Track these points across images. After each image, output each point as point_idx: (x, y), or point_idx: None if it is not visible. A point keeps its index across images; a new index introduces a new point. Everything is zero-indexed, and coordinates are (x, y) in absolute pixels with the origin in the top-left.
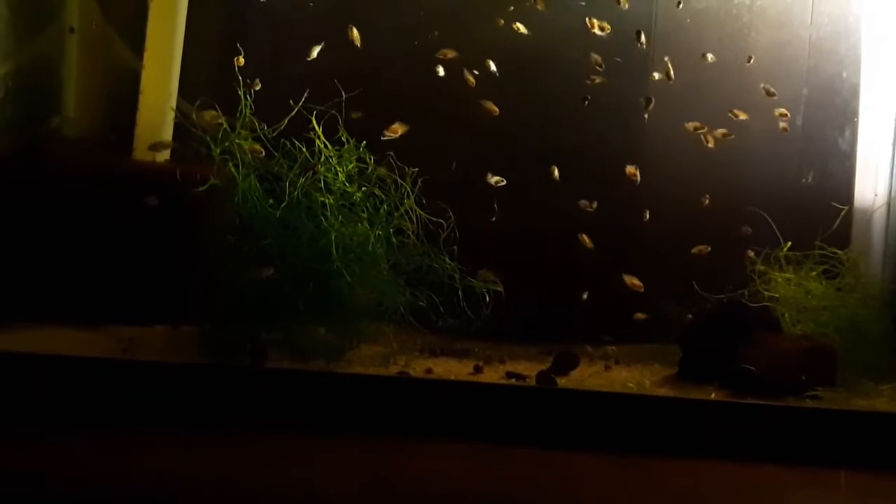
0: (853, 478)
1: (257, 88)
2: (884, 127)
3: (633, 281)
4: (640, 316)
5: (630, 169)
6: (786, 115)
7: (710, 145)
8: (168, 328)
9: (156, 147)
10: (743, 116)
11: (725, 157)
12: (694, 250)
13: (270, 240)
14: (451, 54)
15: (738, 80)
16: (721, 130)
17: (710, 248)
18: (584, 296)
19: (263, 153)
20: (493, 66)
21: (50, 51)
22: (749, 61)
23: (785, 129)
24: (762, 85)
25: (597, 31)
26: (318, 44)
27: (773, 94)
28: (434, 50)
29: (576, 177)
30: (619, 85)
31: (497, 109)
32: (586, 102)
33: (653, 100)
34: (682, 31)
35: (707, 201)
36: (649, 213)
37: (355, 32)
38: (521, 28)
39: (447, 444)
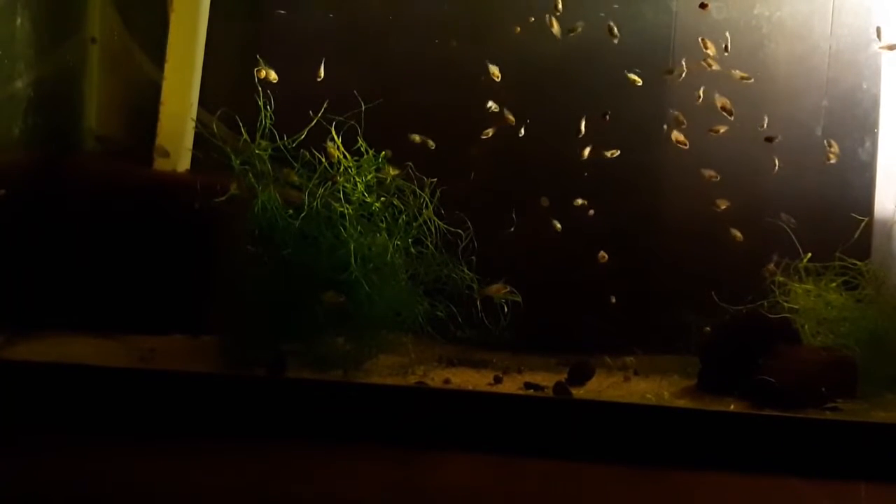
0: (873, 490)
1: (267, 77)
2: None
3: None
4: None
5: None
6: (715, 176)
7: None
8: (188, 338)
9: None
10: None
11: (745, 169)
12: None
13: (290, 250)
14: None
15: (757, 92)
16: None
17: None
18: (613, 299)
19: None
20: None
21: (72, 61)
22: (725, 51)
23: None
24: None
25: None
26: (324, 61)
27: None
28: (453, 60)
29: (595, 189)
30: (639, 98)
31: (514, 120)
32: (607, 117)
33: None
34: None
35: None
36: (667, 227)
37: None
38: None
39: (465, 455)
